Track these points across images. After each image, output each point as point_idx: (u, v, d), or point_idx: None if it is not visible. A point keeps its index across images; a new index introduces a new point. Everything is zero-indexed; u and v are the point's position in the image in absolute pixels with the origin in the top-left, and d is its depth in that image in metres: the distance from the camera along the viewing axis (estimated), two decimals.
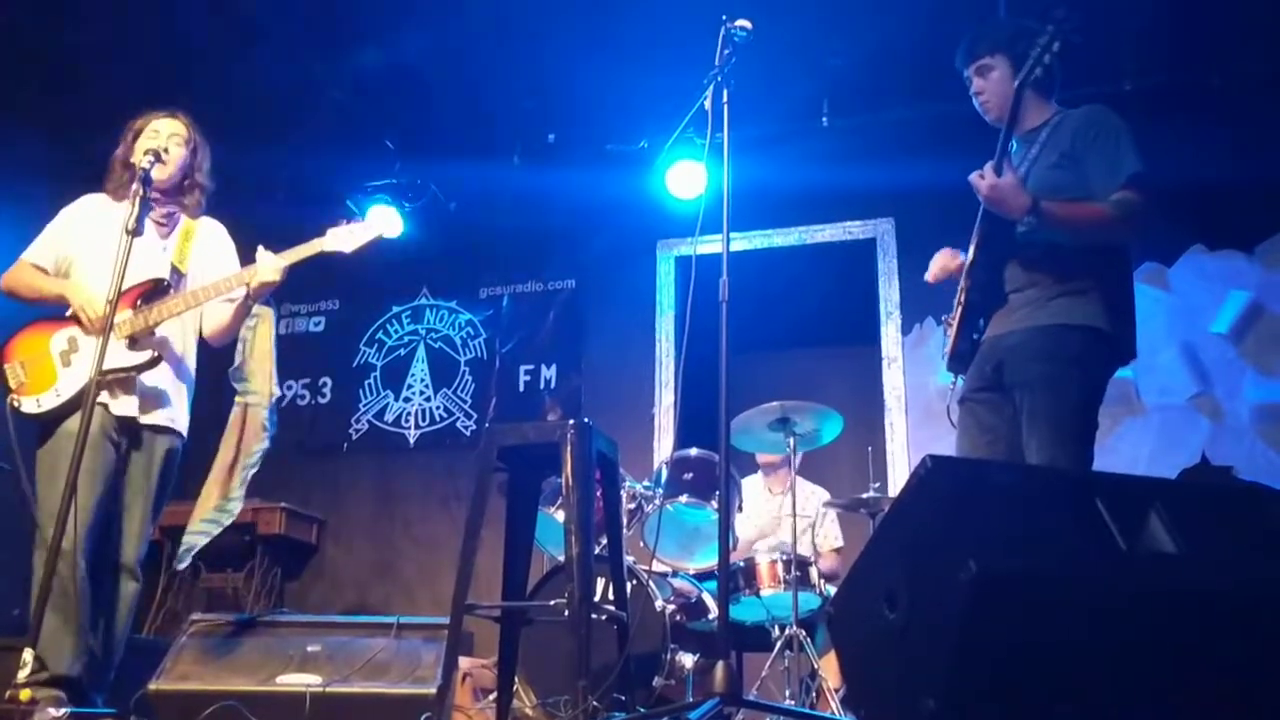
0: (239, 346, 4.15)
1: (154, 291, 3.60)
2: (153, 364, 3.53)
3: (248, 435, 4.13)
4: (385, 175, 6.39)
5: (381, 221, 3.99)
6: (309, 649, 3.46)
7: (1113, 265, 3.02)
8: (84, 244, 3.65)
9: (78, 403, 3.35)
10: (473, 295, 6.86)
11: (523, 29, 5.27)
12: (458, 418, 6.64)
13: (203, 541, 4.02)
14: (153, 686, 3.35)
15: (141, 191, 3.39)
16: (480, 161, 6.22)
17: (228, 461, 4.14)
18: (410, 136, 6.19)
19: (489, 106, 5.88)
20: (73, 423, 3.33)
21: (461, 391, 6.69)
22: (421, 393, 6.76)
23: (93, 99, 5.68)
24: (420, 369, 6.80)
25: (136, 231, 3.32)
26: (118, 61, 5.42)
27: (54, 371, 3.50)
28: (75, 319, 3.52)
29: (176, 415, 3.67)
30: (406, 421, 6.72)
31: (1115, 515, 2.00)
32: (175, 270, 3.70)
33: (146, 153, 3.49)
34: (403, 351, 6.86)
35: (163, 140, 3.70)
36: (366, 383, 6.83)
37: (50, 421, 3.47)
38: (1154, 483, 2.18)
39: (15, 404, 3.48)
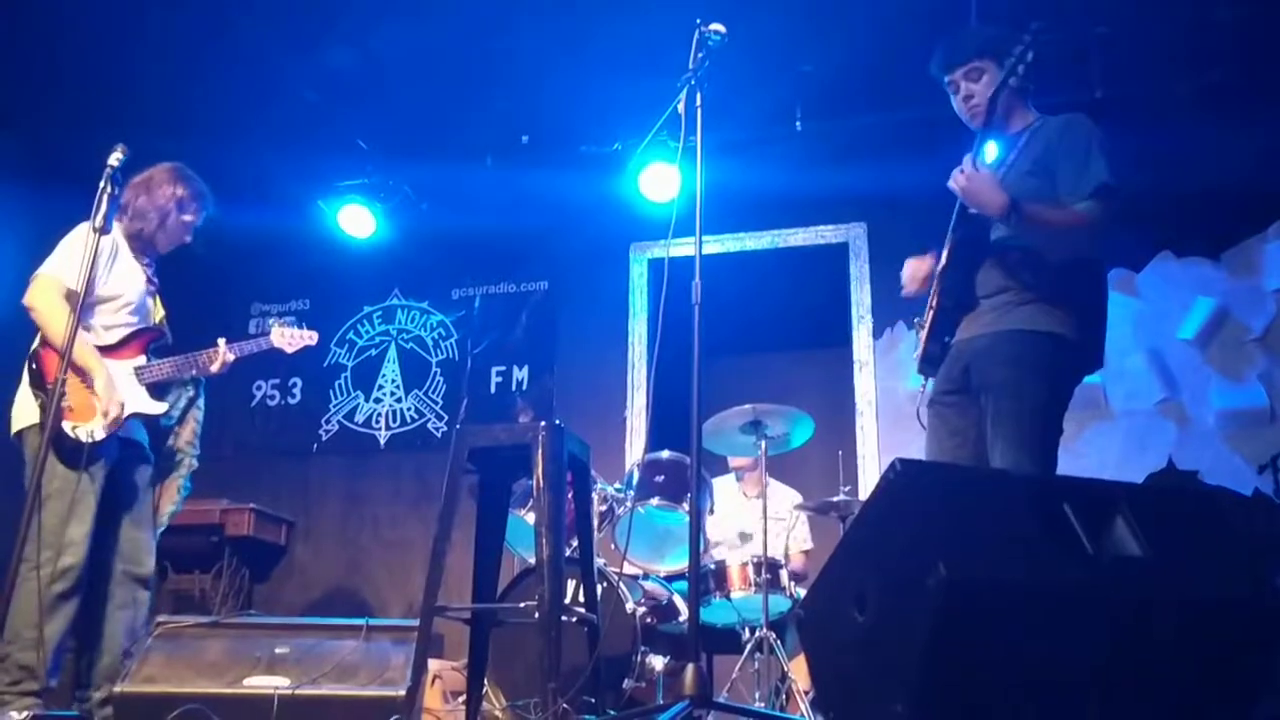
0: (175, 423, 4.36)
1: (159, 342, 3.96)
2: (168, 414, 3.96)
3: (160, 499, 4.29)
4: (357, 175, 6.35)
5: (314, 335, 4.48)
6: (277, 651, 3.44)
7: (1085, 274, 3.05)
8: (114, 282, 3.82)
9: (113, 439, 3.66)
10: (445, 296, 6.84)
11: (497, 29, 5.25)
12: (429, 419, 6.62)
13: None
14: (118, 689, 3.32)
15: (111, 189, 3.37)
16: (453, 162, 6.20)
17: None
18: (383, 136, 6.16)
19: (462, 107, 5.85)
20: (102, 460, 3.62)
21: (433, 393, 6.67)
22: (392, 394, 6.73)
23: (63, 95, 5.65)
24: (391, 370, 6.77)
25: (104, 230, 3.29)
26: (88, 58, 5.37)
27: (94, 403, 3.64)
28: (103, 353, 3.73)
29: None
30: (377, 422, 6.68)
31: (1082, 519, 2.01)
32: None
33: (118, 151, 3.46)
34: (374, 352, 6.82)
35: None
36: (337, 383, 6.80)
37: (85, 453, 3.59)
38: (1120, 487, 2.20)
39: (72, 429, 3.58)
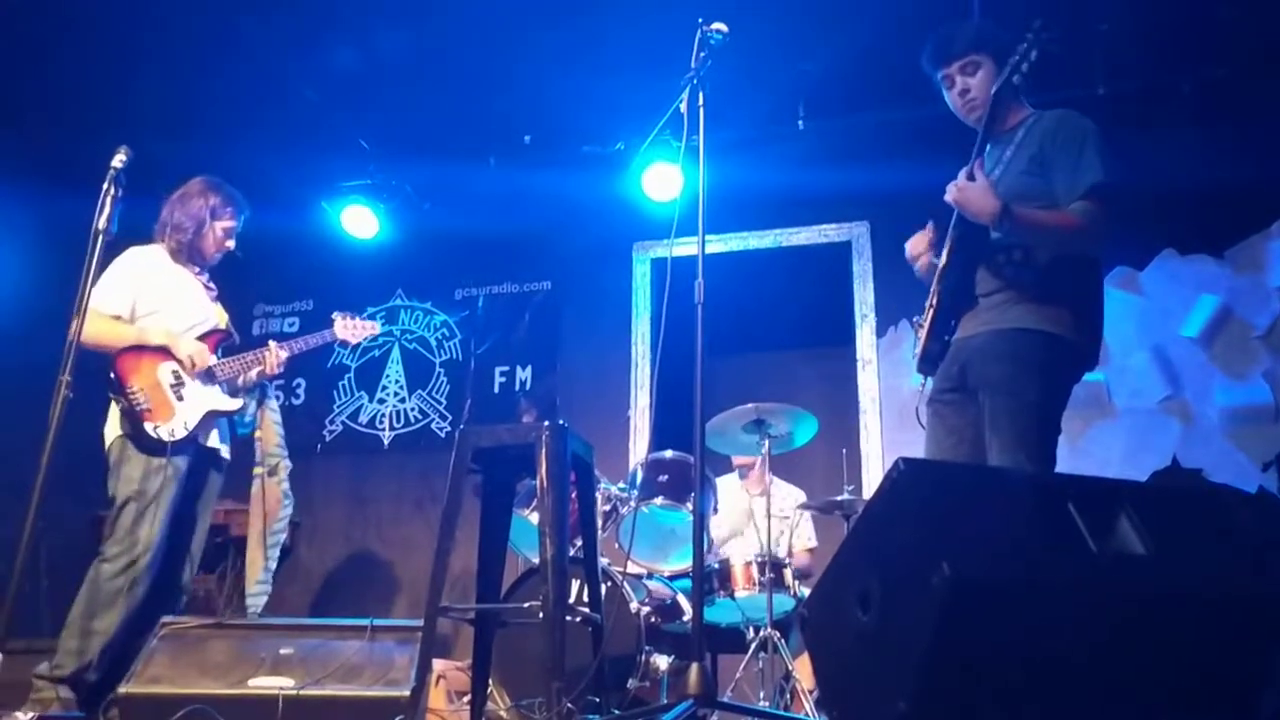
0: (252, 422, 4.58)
1: (227, 343, 4.12)
2: (242, 411, 4.13)
3: (270, 505, 4.65)
4: (360, 175, 6.36)
5: (378, 325, 4.59)
6: (281, 651, 3.44)
7: (1083, 273, 3.04)
8: (157, 295, 3.97)
9: (192, 439, 3.85)
10: (448, 296, 6.85)
11: (499, 29, 5.25)
12: (432, 419, 6.62)
13: (264, 600, 4.75)
14: (122, 690, 3.31)
15: (114, 191, 3.38)
16: (456, 162, 6.20)
17: (259, 530, 4.76)
18: (385, 137, 6.16)
19: (465, 107, 5.85)
20: (180, 460, 3.79)
21: (436, 393, 6.68)
22: (396, 394, 6.73)
23: (67, 97, 5.65)
24: (395, 370, 6.78)
25: (107, 232, 3.31)
26: (92, 60, 5.37)
27: (171, 403, 3.84)
28: (167, 353, 3.88)
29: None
30: (381, 423, 6.69)
31: (1086, 517, 2.01)
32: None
33: (121, 153, 3.48)
34: (377, 353, 6.83)
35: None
36: (341, 384, 6.81)
37: (165, 452, 3.77)
38: (1124, 485, 2.19)
39: (154, 429, 3.76)
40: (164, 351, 3.89)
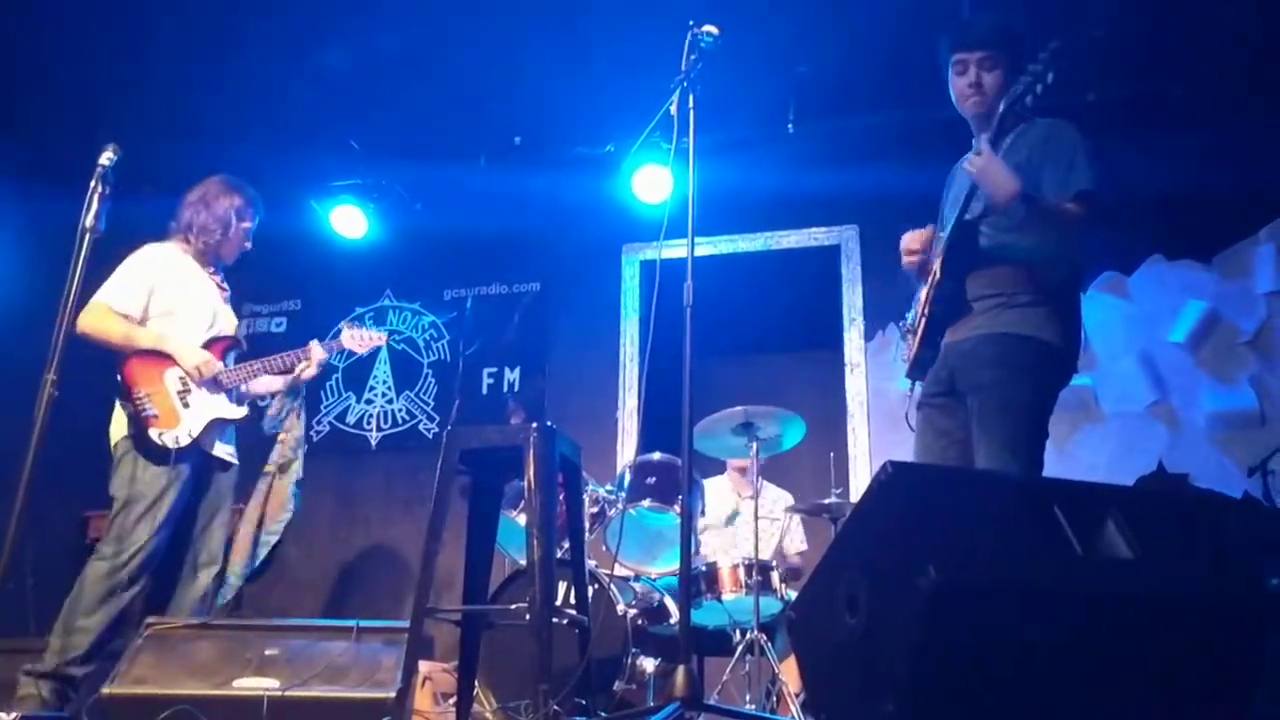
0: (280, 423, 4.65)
1: (236, 350, 4.13)
2: (246, 419, 4.13)
3: (272, 506, 4.68)
4: (350, 175, 6.36)
5: (383, 336, 4.60)
6: (267, 652, 3.43)
7: (1067, 282, 3.08)
8: (173, 296, 3.98)
9: (197, 446, 3.86)
10: (436, 297, 6.84)
11: (491, 30, 5.25)
12: (420, 420, 6.61)
13: (237, 588, 4.77)
14: (106, 690, 3.30)
15: (102, 189, 3.35)
16: (446, 163, 6.20)
17: (252, 527, 4.77)
18: (376, 137, 6.15)
19: (456, 108, 5.85)
20: (183, 467, 3.81)
21: (424, 394, 6.66)
22: (384, 395, 6.72)
23: (60, 96, 5.63)
24: (383, 371, 6.76)
25: (95, 230, 3.28)
26: (85, 59, 5.36)
27: (177, 410, 3.86)
28: (174, 360, 3.88)
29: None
30: (368, 424, 6.68)
31: (1072, 521, 2.02)
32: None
33: (109, 151, 3.46)
34: (365, 353, 6.80)
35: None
36: (328, 384, 6.78)
37: (169, 458, 3.79)
38: (1111, 489, 2.20)
39: (158, 435, 3.78)
40: (171, 359, 3.89)
